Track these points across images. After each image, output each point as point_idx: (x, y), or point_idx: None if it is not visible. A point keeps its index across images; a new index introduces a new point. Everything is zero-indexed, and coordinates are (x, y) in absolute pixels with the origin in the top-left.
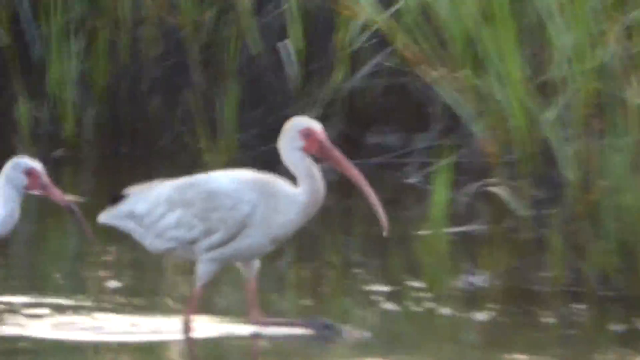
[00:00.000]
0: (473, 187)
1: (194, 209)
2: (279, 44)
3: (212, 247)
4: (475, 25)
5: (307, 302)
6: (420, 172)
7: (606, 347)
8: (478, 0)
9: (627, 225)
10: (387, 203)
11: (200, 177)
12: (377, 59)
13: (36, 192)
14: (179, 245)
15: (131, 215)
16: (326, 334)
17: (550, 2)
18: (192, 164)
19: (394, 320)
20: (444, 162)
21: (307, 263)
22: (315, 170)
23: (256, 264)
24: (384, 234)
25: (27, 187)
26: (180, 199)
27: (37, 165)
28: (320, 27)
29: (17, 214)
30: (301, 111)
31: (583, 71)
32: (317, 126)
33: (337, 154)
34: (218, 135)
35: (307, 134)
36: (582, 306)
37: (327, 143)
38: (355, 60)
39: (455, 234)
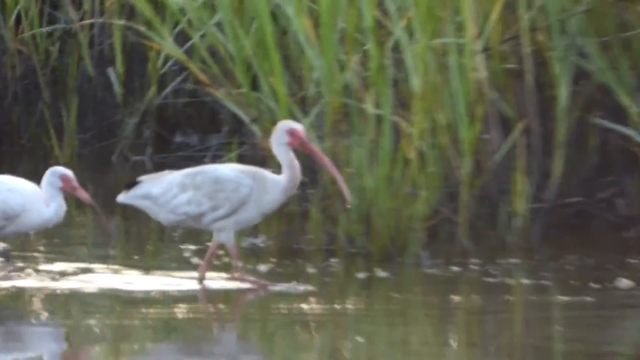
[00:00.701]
0: None
1: (203, 190)
2: (108, 69)
3: (216, 219)
4: (251, 54)
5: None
6: (215, 163)
7: (354, 290)
8: (253, 35)
9: (366, 201)
10: None
11: (206, 168)
12: (179, 80)
13: (68, 193)
14: (188, 218)
15: (147, 197)
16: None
17: (303, 36)
18: (45, 158)
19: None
20: (231, 154)
21: None
22: (295, 162)
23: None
24: (347, 206)
25: (62, 189)
26: (191, 183)
27: (69, 172)
28: (137, 56)
29: (64, 207)
30: (125, 118)
31: (331, 88)
32: (299, 127)
33: (313, 147)
34: (64, 136)
35: (292, 133)
36: (336, 260)
37: (306, 139)
38: (165, 80)
39: None
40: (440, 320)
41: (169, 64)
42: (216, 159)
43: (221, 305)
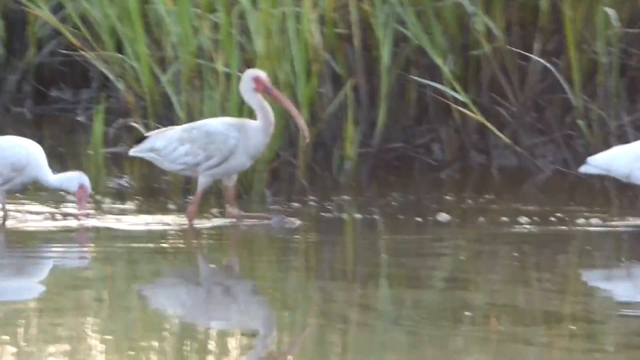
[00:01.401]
0: (120, 122)
1: (198, 143)
2: None
3: (210, 167)
4: (116, 21)
5: None
6: (86, 114)
7: (208, 224)
8: (117, 3)
9: None
10: (65, 134)
11: (200, 123)
12: (55, 42)
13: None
14: (187, 167)
15: (152, 149)
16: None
17: (164, 6)
18: None
19: None
20: (100, 107)
21: None
22: (265, 104)
23: (235, 177)
24: (306, 141)
25: (74, 194)
26: (187, 137)
27: (88, 183)
28: (18, 21)
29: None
30: (8, 75)
31: (186, 50)
32: (262, 74)
33: (274, 91)
34: None
35: (256, 79)
36: (192, 198)
37: (269, 84)
38: (42, 42)
39: (109, 153)
40: (283, 250)
41: (46, 28)
42: (86, 110)
43: (211, 240)
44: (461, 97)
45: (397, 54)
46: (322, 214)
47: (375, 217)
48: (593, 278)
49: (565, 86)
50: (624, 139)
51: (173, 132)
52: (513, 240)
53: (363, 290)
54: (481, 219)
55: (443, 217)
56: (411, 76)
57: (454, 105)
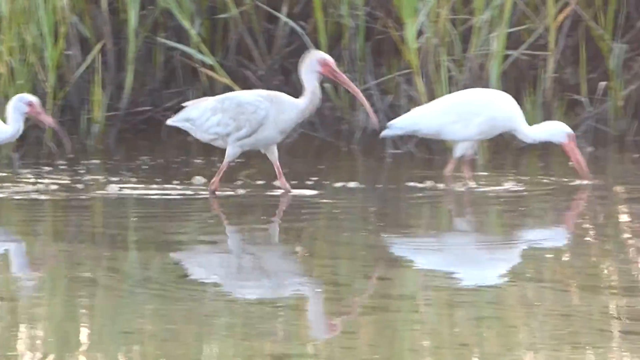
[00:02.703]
0: None
1: (229, 113)
2: None
3: (240, 138)
4: None
5: None
6: None
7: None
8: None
9: None
10: None
11: (232, 94)
12: None
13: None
14: (218, 137)
15: (187, 119)
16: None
17: None
18: None
19: None
20: None
21: None
22: (318, 90)
23: (275, 151)
24: (374, 126)
25: (27, 113)
26: (220, 107)
27: (34, 98)
28: None
29: (20, 131)
30: None
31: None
32: (330, 58)
33: (341, 75)
34: None
35: (324, 63)
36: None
37: (336, 68)
38: None
39: None
40: (30, 214)
41: None
42: None
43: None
44: (208, 60)
45: (144, 17)
46: (75, 177)
47: (127, 180)
48: (341, 242)
49: (312, 49)
50: (370, 102)
51: (207, 102)
52: (273, 202)
53: (111, 252)
54: (238, 182)
55: (198, 180)
56: (159, 39)
57: (201, 69)
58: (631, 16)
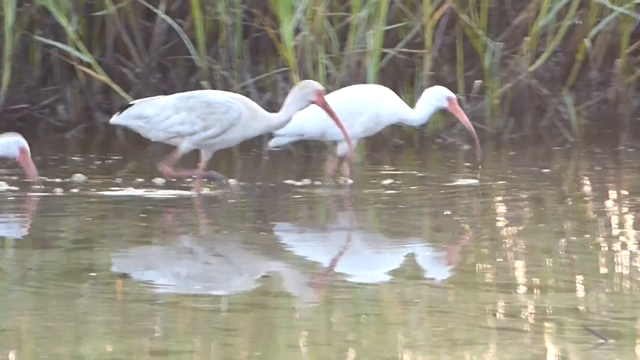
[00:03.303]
0: None
1: (197, 112)
2: None
3: (206, 138)
4: None
5: None
6: None
7: None
8: None
9: None
10: None
11: (197, 93)
12: None
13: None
14: (178, 136)
15: (140, 117)
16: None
17: None
18: None
19: None
20: None
21: None
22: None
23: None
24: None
25: (16, 158)
26: (183, 105)
27: (26, 145)
28: None
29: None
30: None
31: None
32: (323, 88)
33: (329, 107)
34: None
35: (319, 94)
36: None
37: (326, 100)
38: None
39: None
40: None
41: None
42: None
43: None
44: (85, 57)
45: (21, 14)
46: None
47: (3, 178)
48: (219, 240)
49: (190, 47)
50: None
51: (165, 100)
52: (145, 203)
53: None
54: (118, 179)
55: (78, 177)
56: (35, 36)
57: (78, 66)
58: (506, 14)
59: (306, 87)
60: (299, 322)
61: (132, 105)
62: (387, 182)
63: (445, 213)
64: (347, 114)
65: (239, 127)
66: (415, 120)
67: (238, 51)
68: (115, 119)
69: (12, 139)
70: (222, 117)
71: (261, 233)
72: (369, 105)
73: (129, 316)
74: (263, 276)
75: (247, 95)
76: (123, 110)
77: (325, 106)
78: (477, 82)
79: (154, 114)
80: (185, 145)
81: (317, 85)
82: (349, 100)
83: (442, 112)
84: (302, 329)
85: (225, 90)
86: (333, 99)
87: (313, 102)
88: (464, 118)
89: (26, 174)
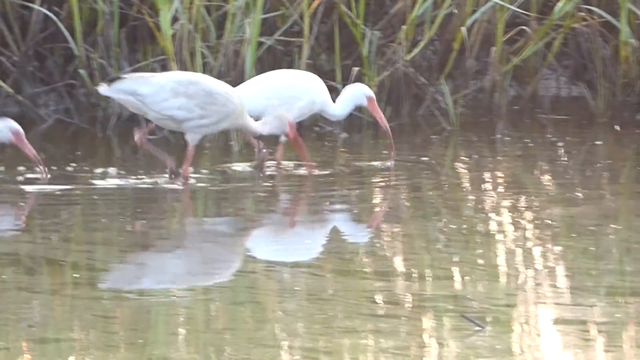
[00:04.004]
0: None
1: (197, 100)
2: None
3: (201, 126)
4: None
5: None
6: None
7: None
8: None
9: None
10: None
11: (193, 77)
12: None
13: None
14: (170, 120)
15: (134, 93)
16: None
17: None
18: None
19: None
20: None
21: None
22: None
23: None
24: (314, 171)
25: (10, 142)
26: (183, 91)
27: (19, 128)
28: None
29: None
30: None
31: None
32: (292, 125)
33: (300, 140)
34: None
35: (292, 126)
36: None
37: (296, 134)
38: None
39: None
40: None
41: None
42: None
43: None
44: None
45: None
46: None
47: None
48: (98, 228)
49: (67, 35)
50: None
51: (162, 81)
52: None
53: None
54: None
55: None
56: None
57: None
58: (384, 3)
59: (285, 120)
60: (176, 309)
61: (122, 78)
62: (301, 170)
63: (325, 202)
64: (287, 97)
65: (231, 119)
66: (336, 115)
67: (115, 40)
68: (104, 90)
69: (3, 123)
70: (220, 109)
71: (140, 220)
72: (307, 92)
73: (7, 304)
74: (140, 264)
75: None
76: (112, 82)
77: (295, 138)
78: (355, 69)
79: (149, 94)
80: (193, 137)
81: (288, 119)
82: (290, 85)
83: (357, 109)
84: (179, 317)
85: (103, 78)
86: (273, 81)
87: (286, 134)
88: (381, 117)
89: (25, 155)
